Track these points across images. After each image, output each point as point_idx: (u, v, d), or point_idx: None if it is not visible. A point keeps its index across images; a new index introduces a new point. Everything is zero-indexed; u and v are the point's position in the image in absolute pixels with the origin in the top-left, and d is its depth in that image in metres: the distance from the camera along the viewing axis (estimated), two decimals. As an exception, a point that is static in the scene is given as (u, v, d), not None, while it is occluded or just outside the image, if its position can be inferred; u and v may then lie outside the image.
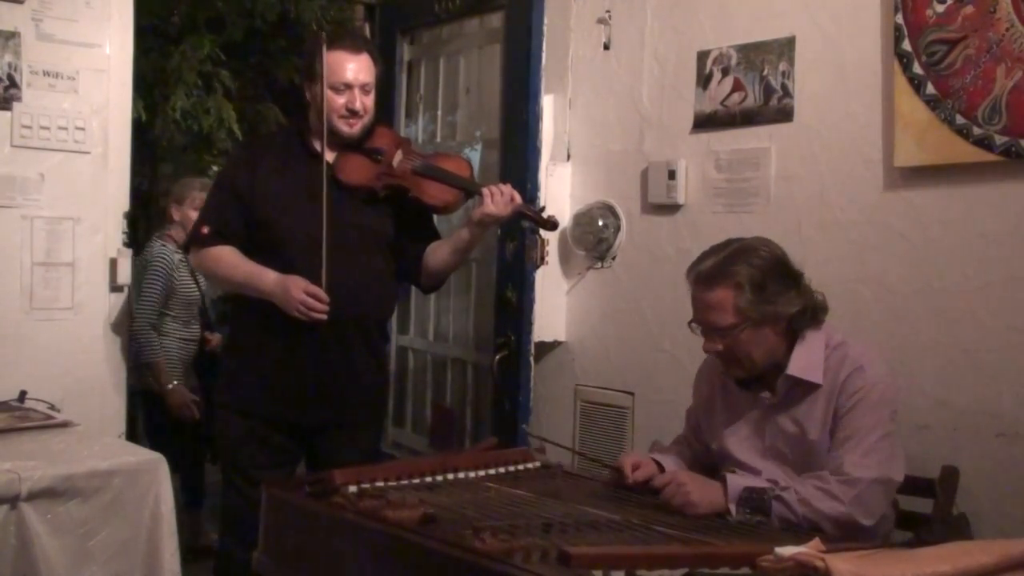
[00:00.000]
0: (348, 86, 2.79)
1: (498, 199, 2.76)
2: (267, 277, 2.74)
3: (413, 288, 4.19)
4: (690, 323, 2.33)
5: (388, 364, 3.17)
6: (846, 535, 2.06)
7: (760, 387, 2.32)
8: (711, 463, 2.44)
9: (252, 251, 2.83)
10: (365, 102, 2.82)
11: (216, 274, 2.90)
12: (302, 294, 2.67)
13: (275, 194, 2.80)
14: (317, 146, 2.84)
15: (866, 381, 2.21)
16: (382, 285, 2.91)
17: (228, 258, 2.81)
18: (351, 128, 2.82)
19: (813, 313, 2.28)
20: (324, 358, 2.79)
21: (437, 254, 2.91)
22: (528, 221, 2.97)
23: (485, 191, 2.78)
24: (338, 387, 2.82)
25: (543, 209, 2.92)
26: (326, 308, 2.68)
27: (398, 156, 2.85)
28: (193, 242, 2.89)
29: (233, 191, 2.84)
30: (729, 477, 2.18)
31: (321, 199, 2.72)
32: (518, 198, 2.80)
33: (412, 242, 2.92)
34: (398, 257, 2.92)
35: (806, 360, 2.26)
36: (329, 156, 2.82)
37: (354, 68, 2.80)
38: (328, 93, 2.79)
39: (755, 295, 2.20)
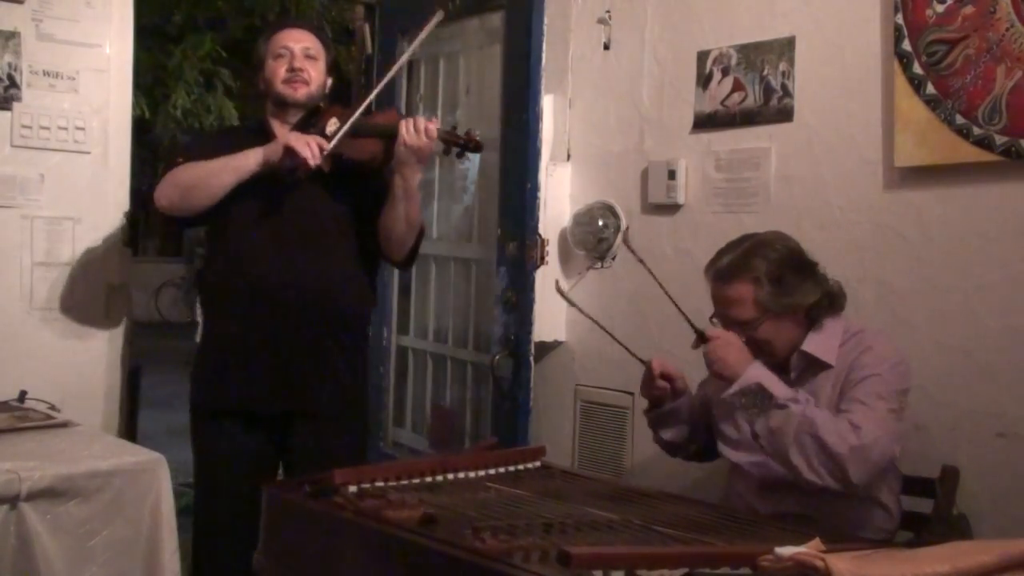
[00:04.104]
0: (287, 49, 2.81)
1: (411, 129, 2.70)
2: (254, 149, 2.71)
3: (413, 288, 4.22)
4: (711, 318, 2.39)
5: (366, 365, 3.08)
6: (823, 488, 2.14)
7: (777, 372, 2.36)
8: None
9: (208, 242, 2.86)
10: (306, 65, 2.82)
11: (190, 177, 2.74)
12: (300, 135, 2.65)
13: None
14: (275, 129, 2.83)
15: (875, 356, 2.28)
16: (346, 275, 2.86)
17: (200, 163, 2.75)
18: (295, 92, 2.81)
19: (831, 301, 2.35)
20: (286, 344, 2.76)
21: (384, 212, 2.84)
22: (457, 148, 2.84)
23: (400, 124, 2.72)
24: (301, 375, 2.78)
25: (467, 132, 2.85)
26: (319, 156, 2.63)
27: (332, 124, 2.80)
28: (168, 171, 2.79)
29: (208, 150, 2.83)
30: (755, 364, 2.24)
31: (281, 186, 2.72)
32: (435, 126, 2.73)
33: (365, 210, 2.86)
34: (366, 237, 2.87)
35: (822, 342, 2.34)
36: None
37: (293, 35, 2.84)
38: (270, 63, 2.83)
39: (773, 288, 2.29)
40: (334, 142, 2.70)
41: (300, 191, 2.76)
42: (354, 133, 2.77)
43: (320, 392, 2.82)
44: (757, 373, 2.22)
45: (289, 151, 2.65)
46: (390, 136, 2.76)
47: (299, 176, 2.68)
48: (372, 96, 2.94)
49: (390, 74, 3.04)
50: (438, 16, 2.93)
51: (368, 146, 2.79)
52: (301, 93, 2.82)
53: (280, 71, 2.81)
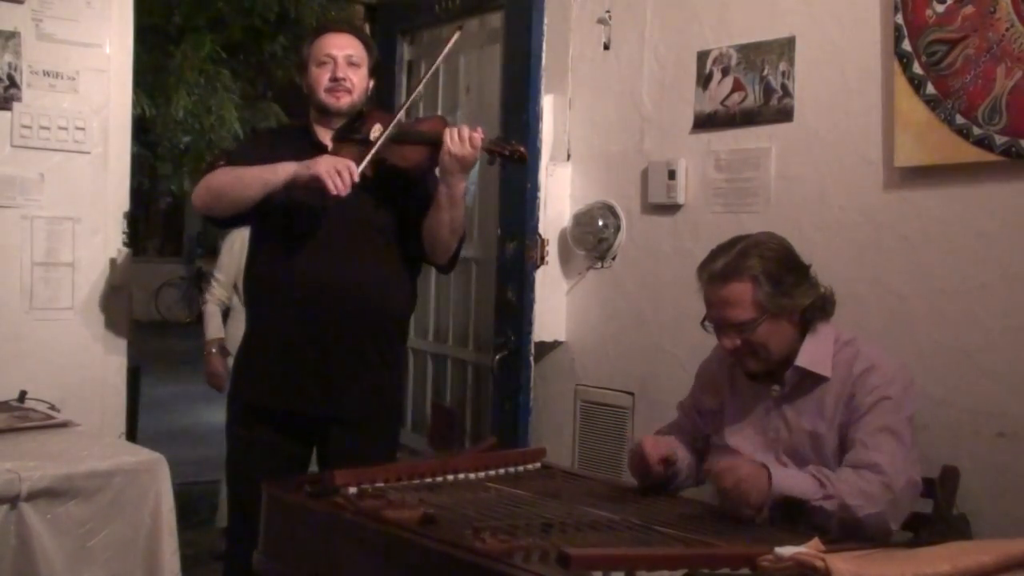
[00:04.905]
0: (331, 57, 2.81)
1: (456, 138, 2.70)
2: (286, 164, 2.70)
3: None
4: (703, 322, 2.33)
5: (402, 367, 3.07)
6: (868, 535, 2.07)
7: (770, 380, 2.32)
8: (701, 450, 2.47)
9: (253, 244, 2.88)
10: (349, 74, 2.82)
11: (223, 183, 2.75)
12: (332, 162, 2.64)
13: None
14: (318, 134, 2.84)
15: (884, 377, 2.22)
16: (389, 279, 2.86)
17: (238, 169, 2.76)
18: (337, 101, 2.81)
19: (823, 304, 2.30)
20: (327, 347, 2.76)
21: (428, 218, 2.84)
22: (500, 159, 2.85)
23: (445, 132, 2.72)
24: (341, 378, 2.78)
25: (511, 143, 2.85)
26: (350, 185, 2.62)
27: (375, 130, 2.80)
28: (207, 173, 2.82)
29: (250, 155, 2.84)
30: (774, 476, 2.11)
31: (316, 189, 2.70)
32: (480, 136, 2.73)
33: (408, 215, 2.86)
34: (401, 238, 2.87)
35: (815, 353, 2.27)
36: (328, 143, 2.82)
37: (336, 42, 2.83)
38: (314, 70, 2.83)
39: (772, 287, 2.22)
40: (363, 164, 2.69)
41: (352, 202, 2.73)
42: (398, 140, 2.79)
43: (359, 397, 2.83)
44: (779, 485, 2.10)
45: (316, 179, 2.63)
46: (434, 144, 2.77)
47: (327, 203, 2.68)
48: (405, 106, 2.96)
49: (418, 88, 3.09)
50: (457, 35, 2.95)
51: (412, 154, 2.80)
52: (344, 102, 2.83)
53: (323, 79, 2.81)
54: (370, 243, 2.82)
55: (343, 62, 2.82)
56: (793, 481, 2.13)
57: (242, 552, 2.75)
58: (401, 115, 2.86)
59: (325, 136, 2.85)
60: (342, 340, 2.78)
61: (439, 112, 4.09)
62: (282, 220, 2.77)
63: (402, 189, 2.83)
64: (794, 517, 2.10)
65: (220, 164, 2.82)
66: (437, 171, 2.80)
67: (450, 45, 2.93)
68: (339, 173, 2.61)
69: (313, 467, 2.97)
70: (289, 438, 2.82)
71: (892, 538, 2.21)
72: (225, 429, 2.92)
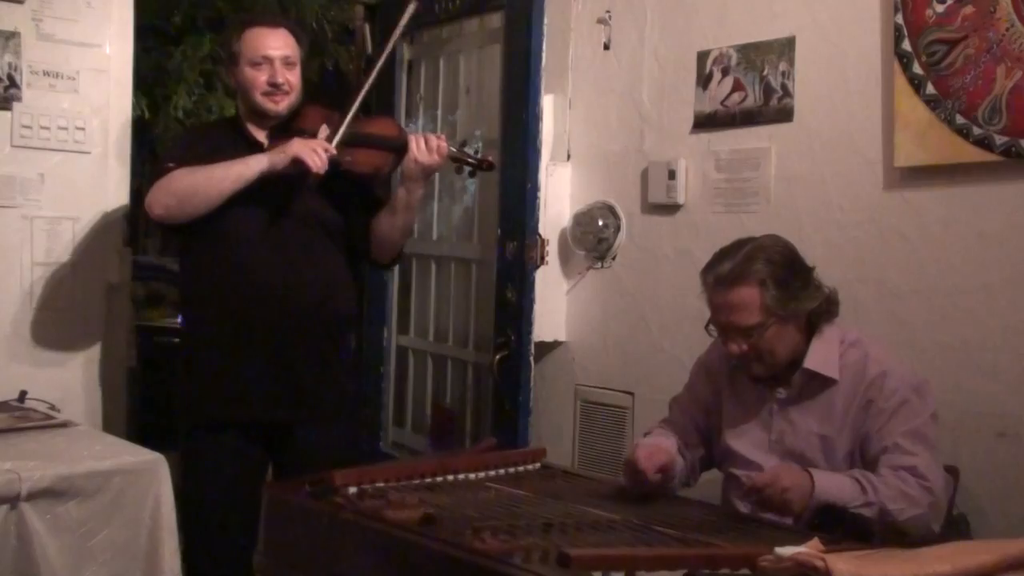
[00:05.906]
0: (267, 59, 2.74)
1: (423, 147, 2.69)
2: (257, 156, 2.66)
3: (413, 287, 4.21)
4: (707, 326, 2.31)
5: (349, 361, 3.08)
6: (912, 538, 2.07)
7: (775, 383, 2.32)
8: (702, 453, 2.46)
9: (193, 248, 2.80)
10: (288, 77, 2.76)
11: (188, 184, 2.65)
12: (305, 143, 2.61)
13: None
14: (252, 132, 2.80)
15: (901, 380, 2.23)
16: (341, 278, 2.84)
17: (201, 168, 2.67)
18: (276, 105, 2.76)
19: (828, 306, 2.29)
20: (288, 352, 2.74)
21: (382, 221, 2.83)
22: (467, 167, 2.83)
23: (411, 140, 2.70)
24: (298, 382, 2.76)
25: (477, 152, 2.83)
26: (327, 162, 2.61)
27: (324, 131, 2.75)
28: (158, 178, 2.70)
29: (195, 154, 2.75)
30: (817, 483, 2.10)
31: (276, 193, 2.68)
32: (445, 145, 2.72)
33: (357, 216, 2.84)
34: (348, 238, 2.85)
35: (823, 355, 2.27)
36: (264, 141, 2.78)
37: (272, 42, 2.75)
38: (248, 71, 2.75)
39: (779, 291, 2.22)
40: (336, 141, 2.68)
41: (293, 198, 2.73)
42: (355, 143, 2.75)
43: (323, 398, 2.82)
44: (821, 491, 2.09)
45: (296, 161, 2.61)
46: (395, 150, 2.75)
47: (309, 184, 2.66)
48: (359, 99, 2.87)
49: (371, 79, 2.95)
50: (411, 8, 2.89)
51: (371, 158, 2.77)
52: (282, 106, 2.77)
53: (259, 81, 2.74)
54: (318, 243, 2.79)
55: (281, 65, 2.75)
56: (834, 485, 2.12)
57: (204, 564, 2.74)
58: (353, 110, 2.78)
59: (259, 134, 2.80)
60: (297, 342, 2.74)
61: (438, 113, 4.09)
62: (233, 226, 2.70)
63: (352, 190, 2.81)
64: (833, 523, 2.08)
65: (170, 167, 2.71)
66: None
67: (405, 19, 2.87)
68: (315, 151, 2.61)
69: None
70: (249, 443, 2.80)
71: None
72: (182, 440, 2.84)
